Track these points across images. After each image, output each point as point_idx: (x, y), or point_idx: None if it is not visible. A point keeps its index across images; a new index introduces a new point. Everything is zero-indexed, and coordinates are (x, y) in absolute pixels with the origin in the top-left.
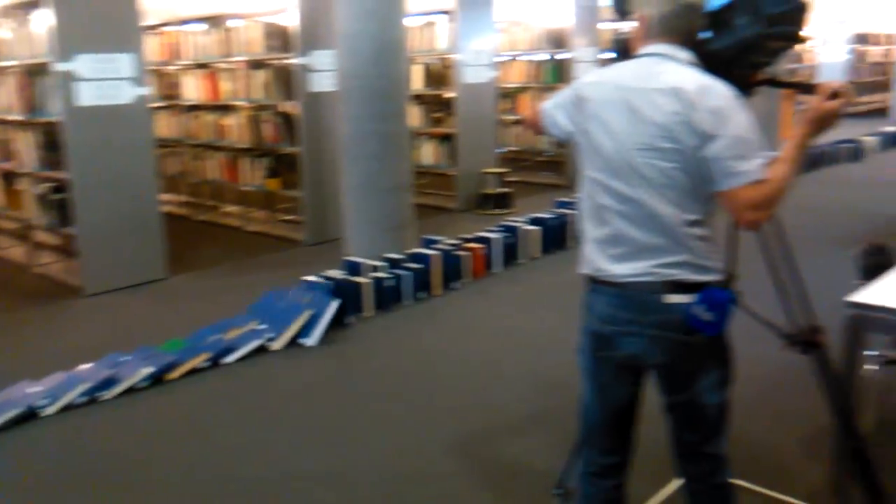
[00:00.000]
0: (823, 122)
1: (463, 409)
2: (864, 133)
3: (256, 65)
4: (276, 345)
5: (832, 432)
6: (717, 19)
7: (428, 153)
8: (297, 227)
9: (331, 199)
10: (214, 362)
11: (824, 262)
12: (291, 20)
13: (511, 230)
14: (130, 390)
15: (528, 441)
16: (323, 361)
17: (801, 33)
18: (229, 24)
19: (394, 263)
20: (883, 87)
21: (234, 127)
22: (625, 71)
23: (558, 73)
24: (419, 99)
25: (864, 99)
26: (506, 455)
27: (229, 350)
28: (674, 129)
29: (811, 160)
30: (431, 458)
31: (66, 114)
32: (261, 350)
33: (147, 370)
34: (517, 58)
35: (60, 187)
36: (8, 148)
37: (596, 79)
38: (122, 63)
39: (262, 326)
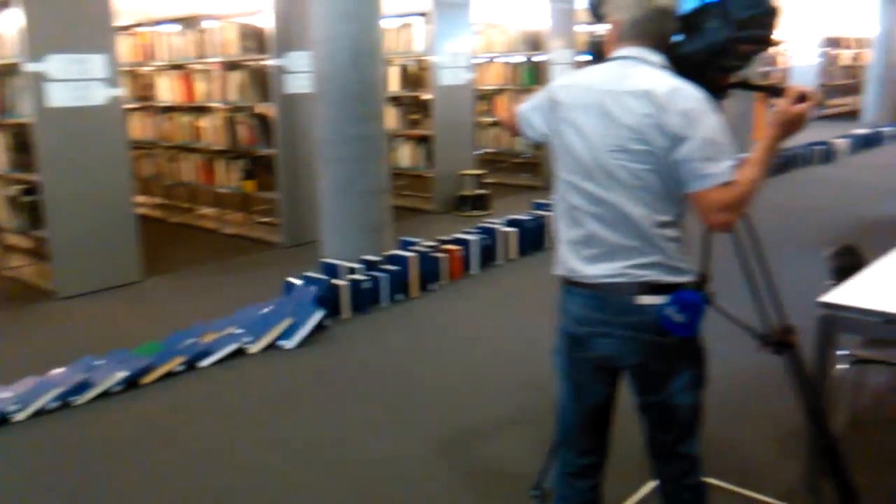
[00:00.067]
0: (792, 125)
1: (441, 411)
2: (836, 135)
3: (232, 66)
4: (254, 348)
5: (805, 431)
6: (688, 23)
7: (405, 155)
8: (274, 229)
9: (307, 201)
10: (190, 366)
11: (797, 262)
12: (267, 21)
13: (488, 232)
14: (104, 395)
15: (507, 442)
16: (300, 364)
17: (772, 37)
18: (204, 24)
19: (371, 265)
20: (854, 90)
21: (210, 129)
22: (597, 74)
23: (535, 75)
24: (396, 101)
25: (836, 102)
26: (484, 457)
27: (205, 353)
28: (645, 132)
29: (784, 162)
30: (409, 460)
31: (36, 115)
32: (238, 353)
33: (121, 374)
34: (494, 60)
35: (31, 189)
36: None
37: (569, 82)
38: (95, 64)
39: (240, 331)
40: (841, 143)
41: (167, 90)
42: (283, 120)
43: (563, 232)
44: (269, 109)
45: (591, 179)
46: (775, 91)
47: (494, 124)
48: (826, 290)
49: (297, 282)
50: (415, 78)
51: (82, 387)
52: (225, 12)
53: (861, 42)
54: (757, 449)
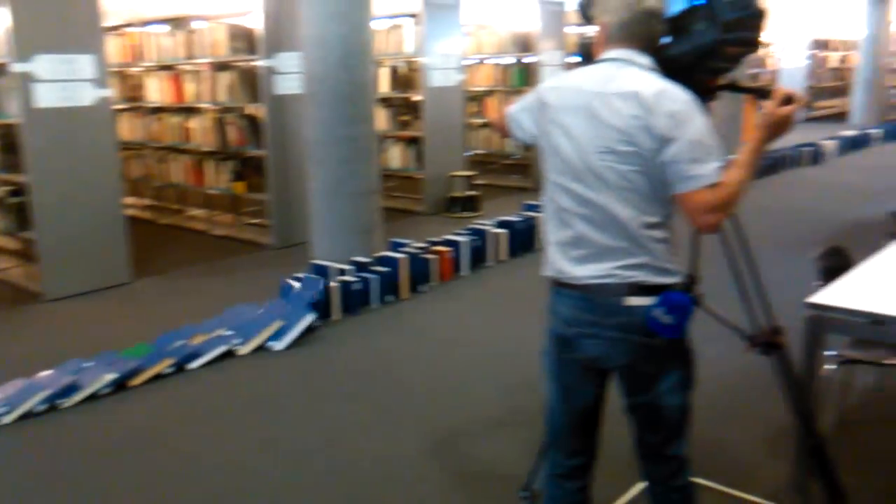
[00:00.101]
0: (778, 127)
1: (431, 413)
2: (824, 137)
3: (221, 67)
4: (244, 350)
5: (793, 431)
6: (676, 25)
7: (395, 156)
8: (264, 230)
9: (297, 202)
10: (179, 368)
11: (785, 263)
12: (256, 22)
13: (479, 233)
14: (92, 397)
15: (497, 443)
16: (290, 366)
17: (759, 39)
18: (193, 25)
19: (361, 267)
20: (841, 92)
21: (199, 130)
22: (585, 76)
23: (525, 77)
24: (386, 102)
25: (824, 104)
26: (474, 458)
27: (195, 355)
28: (633, 133)
29: (773, 163)
30: (399, 462)
31: (24, 115)
32: (227, 355)
33: (109, 376)
34: (484, 61)
35: (18, 191)
36: None
37: (557, 83)
38: (83, 64)
39: (229, 333)
40: (829, 145)
41: (156, 91)
42: (272, 121)
43: (552, 233)
44: (258, 110)
45: (580, 181)
46: (762, 93)
47: (484, 126)
48: (814, 290)
49: (295, 284)
50: (405, 79)
51: (70, 389)
52: (214, 13)
53: (848, 44)
54: (745, 449)
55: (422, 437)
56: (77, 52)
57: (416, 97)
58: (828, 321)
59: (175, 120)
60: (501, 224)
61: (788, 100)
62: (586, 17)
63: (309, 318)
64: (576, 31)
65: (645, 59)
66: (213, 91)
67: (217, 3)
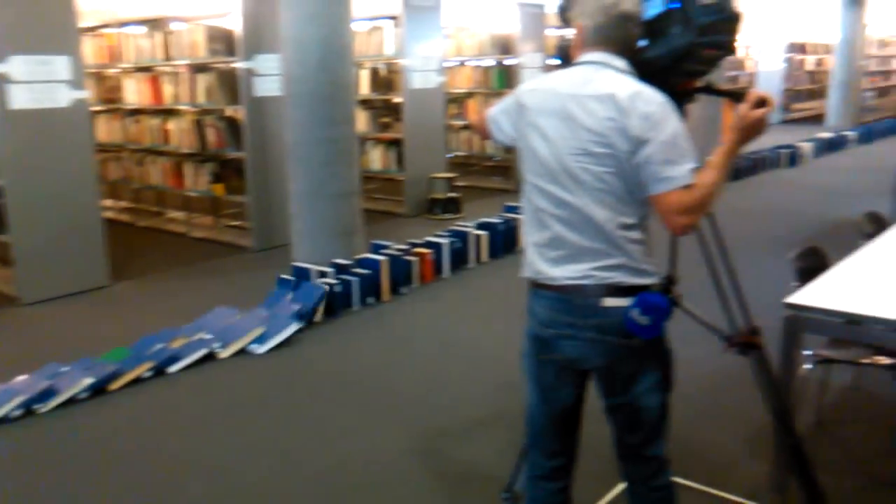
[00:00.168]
0: (751, 129)
1: (412, 415)
2: (801, 139)
3: (200, 68)
4: (224, 353)
5: (772, 431)
6: (652, 28)
7: (376, 158)
8: (244, 233)
9: (278, 204)
10: (159, 371)
11: (763, 264)
12: (234, 23)
13: (460, 235)
14: (69, 402)
15: (480, 445)
16: (271, 369)
17: (734, 42)
18: (171, 26)
19: (342, 269)
20: (818, 94)
21: (178, 131)
22: (562, 78)
23: (505, 79)
24: (367, 104)
25: (801, 106)
26: (457, 460)
27: (174, 359)
28: (608, 135)
29: (751, 165)
30: (382, 464)
31: None
32: (207, 358)
33: (87, 381)
34: (465, 63)
35: None
36: None
37: (535, 86)
38: (59, 65)
39: (210, 336)
40: (806, 147)
41: (134, 92)
42: (252, 123)
43: (530, 235)
44: (238, 112)
45: (556, 182)
46: (736, 96)
47: (465, 128)
48: (791, 291)
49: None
50: (385, 81)
51: (47, 394)
52: (192, 14)
53: (824, 48)
54: (725, 449)
55: (404, 438)
56: (52, 53)
57: (397, 99)
58: (805, 321)
59: (153, 122)
60: (482, 226)
61: (761, 103)
62: (565, 19)
63: (294, 328)
64: (556, 33)
65: (621, 62)
66: (191, 93)
67: (195, 4)
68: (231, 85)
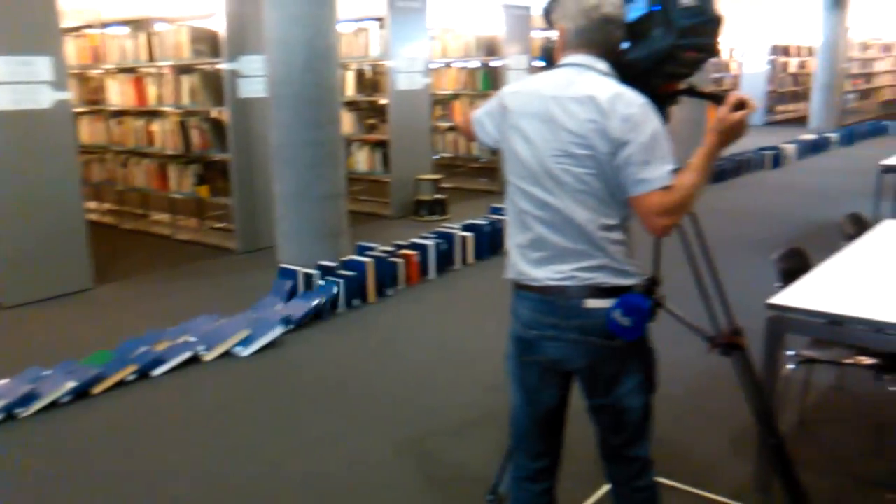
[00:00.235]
0: (731, 132)
1: (398, 418)
2: (785, 140)
3: (184, 70)
4: (209, 356)
5: (756, 431)
6: (634, 31)
7: (362, 160)
8: (229, 235)
9: (263, 206)
10: (143, 375)
11: (746, 265)
12: (219, 25)
13: (445, 236)
14: (52, 406)
15: (465, 446)
16: (256, 372)
17: (715, 45)
18: (155, 27)
19: (327, 271)
20: (801, 96)
21: (162, 133)
22: (544, 80)
23: (491, 80)
24: (352, 106)
25: (784, 108)
26: (443, 462)
27: (158, 362)
28: (589, 137)
29: (736, 166)
30: (367, 467)
31: None
32: (192, 361)
33: (69, 384)
34: (450, 65)
35: None
36: None
37: (518, 88)
38: (40, 66)
39: (194, 339)
40: (789, 149)
41: (118, 94)
42: (237, 124)
43: (513, 236)
44: (222, 114)
45: (538, 184)
46: (717, 98)
47: (451, 129)
48: (774, 292)
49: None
50: (371, 83)
51: (28, 398)
52: (176, 15)
53: (807, 50)
54: (709, 449)
55: (390, 441)
56: (34, 53)
57: (383, 101)
58: (787, 322)
59: (137, 123)
60: (468, 227)
61: (741, 105)
62: (549, 21)
63: (279, 330)
64: (541, 35)
65: (603, 65)
66: (176, 94)
67: (179, 5)
68: (216, 86)
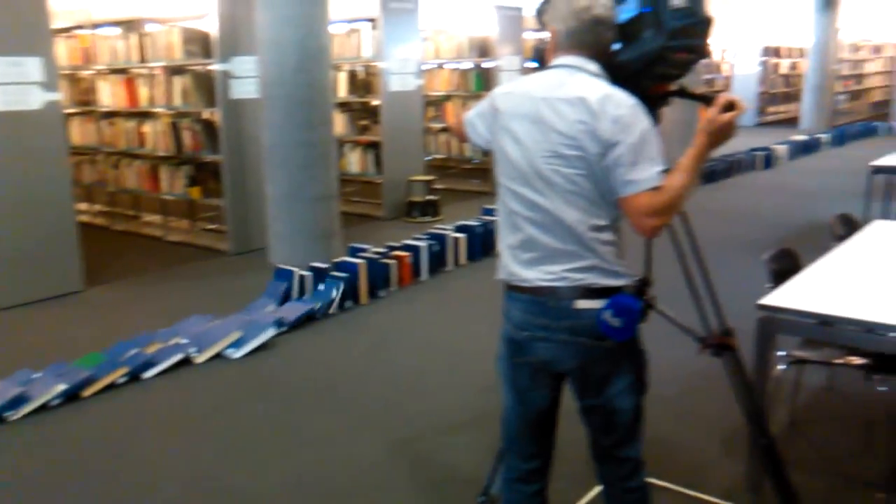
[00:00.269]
0: (720, 133)
1: (390, 419)
2: (776, 141)
3: (175, 71)
4: (200, 358)
5: (747, 431)
6: (625, 32)
7: (354, 161)
8: (221, 236)
9: (255, 207)
10: (134, 377)
11: (737, 266)
12: (211, 25)
13: (438, 238)
14: (42, 409)
15: (458, 448)
16: (248, 374)
17: (705, 46)
18: (146, 28)
19: (320, 272)
20: (793, 97)
21: (154, 134)
22: (535, 82)
23: (483, 82)
24: (345, 107)
25: (776, 109)
26: (435, 463)
27: (149, 364)
28: (578, 138)
29: (727, 167)
30: (358, 469)
31: None
32: (183, 363)
33: (60, 387)
34: (443, 66)
35: None
36: None
37: (509, 89)
38: (31, 67)
39: (186, 341)
40: (781, 149)
41: (109, 95)
42: (228, 125)
43: (504, 237)
44: (214, 115)
45: (528, 185)
46: (707, 100)
47: (443, 130)
48: (765, 292)
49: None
50: (363, 84)
51: (18, 401)
52: (167, 16)
53: (798, 51)
54: (700, 449)
55: (382, 442)
56: (24, 54)
57: (375, 102)
58: (778, 322)
59: (129, 124)
60: (460, 228)
61: (730, 106)
62: (541, 23)
63: (271, 332)
64: (533, 36)
65: (594, 66)
66: (167, 95)
67: (171, 5)
68: (207, 87)
